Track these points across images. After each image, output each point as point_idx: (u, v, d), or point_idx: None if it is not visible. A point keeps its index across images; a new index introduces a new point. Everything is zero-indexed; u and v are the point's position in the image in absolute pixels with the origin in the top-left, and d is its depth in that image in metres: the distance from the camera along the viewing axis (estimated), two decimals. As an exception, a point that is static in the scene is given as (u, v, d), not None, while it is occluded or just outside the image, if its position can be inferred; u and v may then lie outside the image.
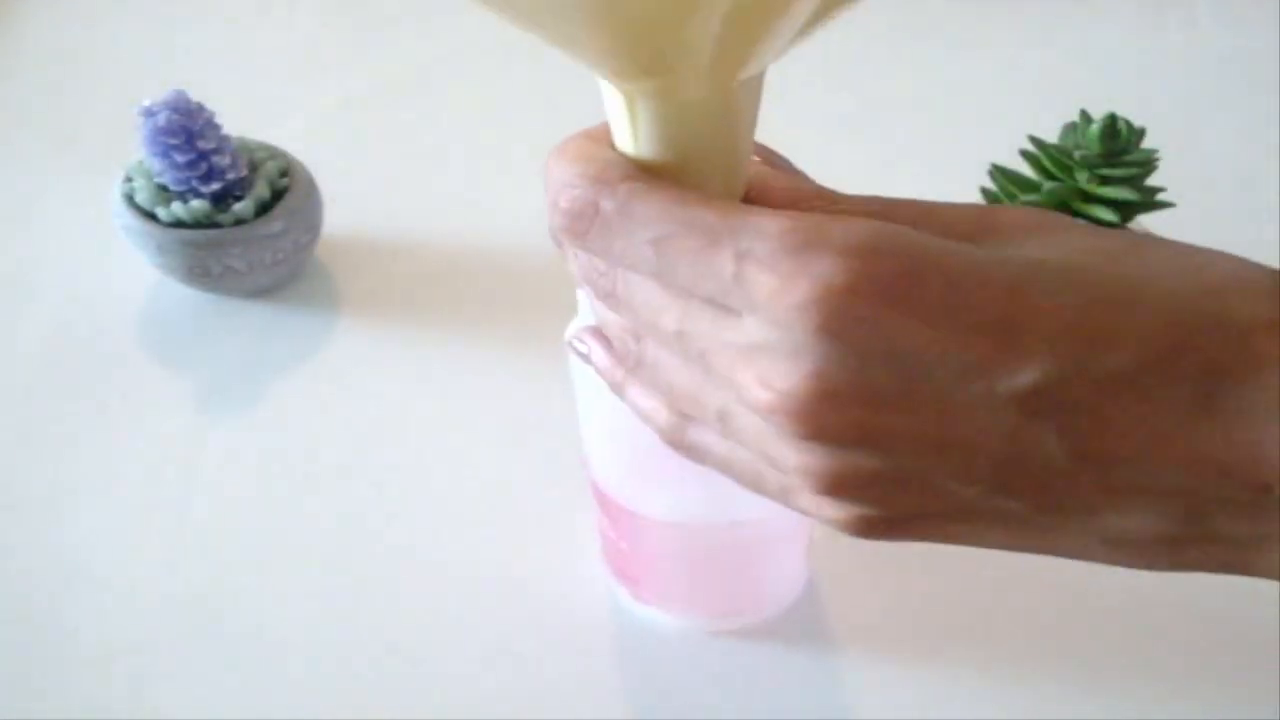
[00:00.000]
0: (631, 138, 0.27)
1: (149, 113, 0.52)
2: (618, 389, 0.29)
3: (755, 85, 0.27)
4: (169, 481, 0.50)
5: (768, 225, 0.24)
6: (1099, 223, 0.49)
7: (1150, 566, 0.25)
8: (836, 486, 0.25)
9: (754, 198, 0.28)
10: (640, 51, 0.24)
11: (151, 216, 0.54)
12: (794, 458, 0.25)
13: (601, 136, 0.28)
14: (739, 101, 0.26)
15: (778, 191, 0.27)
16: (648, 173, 0.26)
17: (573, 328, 0.33)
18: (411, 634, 0.45)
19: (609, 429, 0.38)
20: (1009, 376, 0.23)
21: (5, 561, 0.48)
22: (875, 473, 0.25)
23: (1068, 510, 0.24)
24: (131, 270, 0.59)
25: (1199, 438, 0.22)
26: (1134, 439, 0.23)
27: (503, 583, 0.47)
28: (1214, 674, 0.44)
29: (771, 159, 0.29)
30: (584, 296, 0.31)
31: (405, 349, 0.56)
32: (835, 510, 0.26)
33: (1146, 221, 0.53)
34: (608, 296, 0.27)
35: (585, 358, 0.30)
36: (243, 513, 0.49)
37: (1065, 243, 0.25)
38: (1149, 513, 0.24)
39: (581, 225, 0.26)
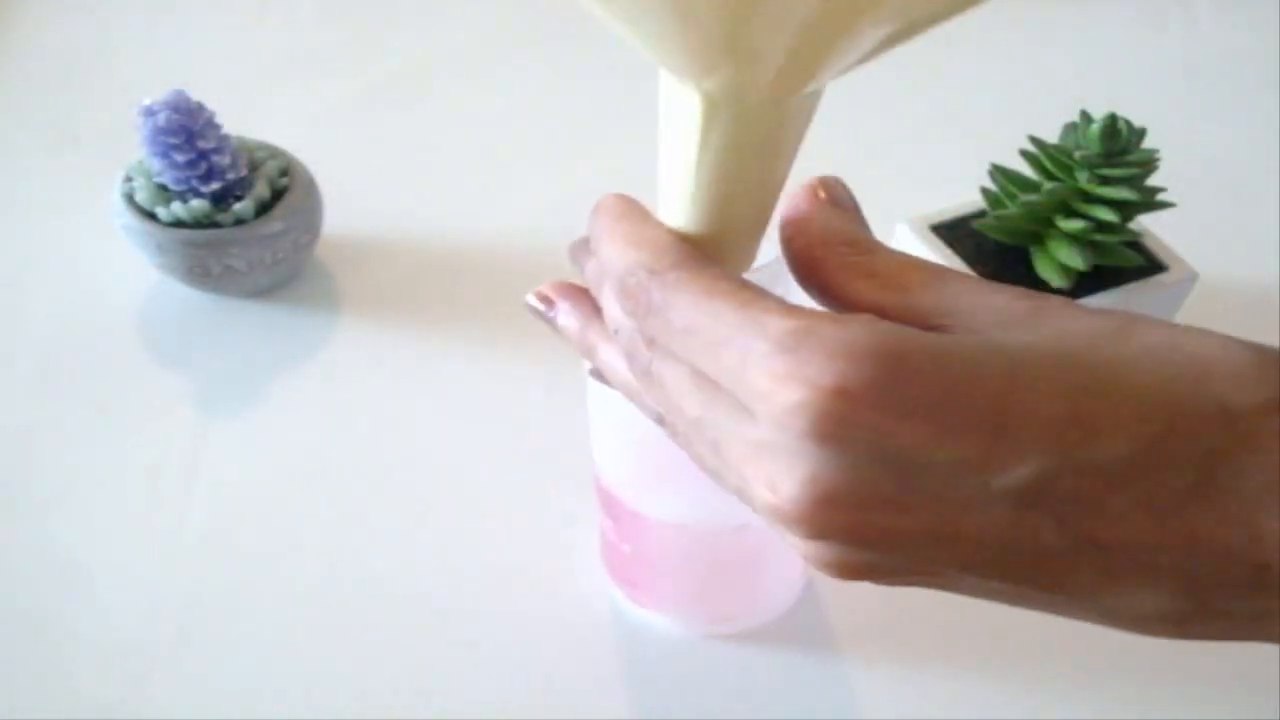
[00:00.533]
0: (698, 148, 0.27)
1: (149, 112, 0.52)
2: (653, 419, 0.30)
3: (812, 102, 0.27)
4: (169, 481, 0.50)
5: (771, 325, 0.24)
6: (1100, 223, 0.49)
7: (1152, 636, 0.26)
8: (845, 573, 0.26)
9: (791, 234, 0.29)
10: (715, 40, 0.24)
11: (151, 216, 0.54)
12: (801, 546, 0.26)
13: (643, 213, 0.29)
14: (800, 112, 0.27)
15: (815, 230, 0.28)
16: (697, 248, 0.27)
17: (594, 387, 0.34)
18: (410, 634, 0.45)
19: (618, 429, 0.38)
20: (1003, 473, 0.23)
21: (5, 561, 0.47)
22: (875, 564, 0.25)
23: (1068, 590, 0.25)
24: (131, 270, 0.59)
25: (1196, 520, 0.23)
26: (1131, 525, 0.23)
27: (501, 584, 0.47)
28: (1214, 674, 0.44)
29: (834, 193, 0.29)
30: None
31: (405, 349, 0.56)
32: (847, 581, 0.27)
33: (1147, 221, 0.53)
34: (643, 374, 0.28)
35: (609, 385, 0.31)
36: (243, 512, 0.49)
37: (1054, 327, 0.25)
38: (1150, 593, 0.24)
39: (641, 310, 0.27)
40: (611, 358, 0.30)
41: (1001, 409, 0.23)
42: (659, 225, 0.29)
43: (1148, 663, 0.44)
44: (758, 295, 0.25)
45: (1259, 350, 0.24)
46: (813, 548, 0.26)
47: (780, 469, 0.24)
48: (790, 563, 0.45)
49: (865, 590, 0.46)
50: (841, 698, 0.44)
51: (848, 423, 0.23)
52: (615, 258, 0.28)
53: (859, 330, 0.23)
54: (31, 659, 0.44)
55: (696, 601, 0.45)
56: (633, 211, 0.29)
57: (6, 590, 0.47)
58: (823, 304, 0.28)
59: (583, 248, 0.31)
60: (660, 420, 0.29)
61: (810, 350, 0.23)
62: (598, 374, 0.32)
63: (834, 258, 0.28)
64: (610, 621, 0.46)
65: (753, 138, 0.27)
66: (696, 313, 0.26)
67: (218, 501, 0.50)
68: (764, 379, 0.24)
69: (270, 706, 0.43)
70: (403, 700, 0.43)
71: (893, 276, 0.27)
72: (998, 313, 0.25)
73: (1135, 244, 0.52)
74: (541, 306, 0.32)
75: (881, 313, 0.26)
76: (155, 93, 0.53)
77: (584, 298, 0.31)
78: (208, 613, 0.46)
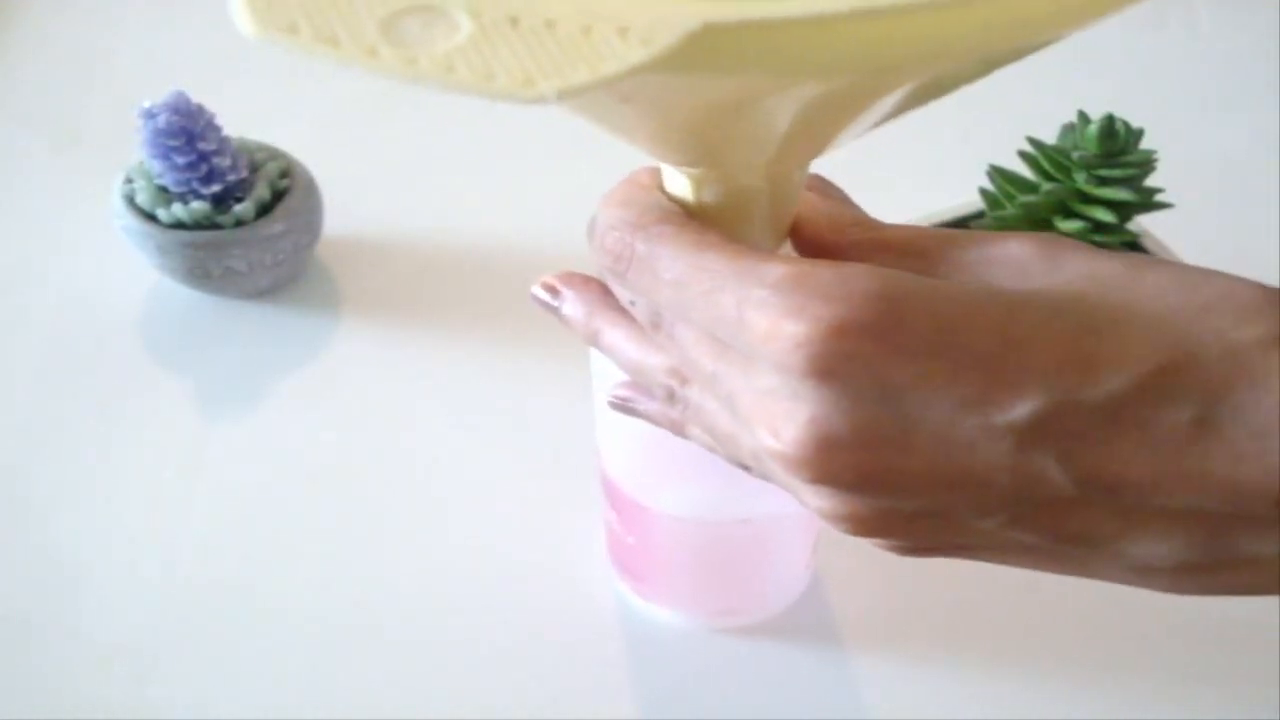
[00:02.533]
0: (694, 199, 0.28)
1: (149, 114, 0.52)
2: (677, 431, 0.30)
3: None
4: (170, 482, 0.50)
5: (767, 271, 0.24)
6: (1098, 224, 0.49)
7: (1184, 592, 0.25)
8: (857, 526, 0.26)
9: (797, 225, 0.29)
10: (700, 152, 0.26)
11: (152, 218, 0.54)
12: (814, 501, 0.26)
13: (648, 182, 0.29)
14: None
15: (822, 218, 0.29)
16: (690, 216, 0.28)
17: (599, 380, 0.34)
18: (414, 632, 0.45)
19: (623, 422, 0.38)
20: (1003, 410, 0.23)
21: (5, 561, 0.48)
22: (889, 512, 0.25)
23: (1088, 540, 0.24)
24: (132, 271, 0.59)
25: (1206, 458, 0.23)
26: (1138, 463, 0.23)
27: (505, 581, 0.47)
28: (1214, 674, 0.44)
29: (824, 190, 0.30)
30: (603, 353, 0.32)
31: (406, 349, 0.57)
32: (868, 541, 0.27)
33: (1146, 222, 0.53)
34: (667, 338, 0.28)
35: (631, 411, 0.32)
36: (243, 513, 0.49)
37: (1067, 272, 0.25)
38: (1170, 537, 0.24)
39: (621, 266, 0.27)
40: (618, 340, 0.30)
41: (1000, 347, 0.23)
42: (656, 191, 0.28)
43: (1148, 662, 0.44)
44: (749, 248, 0.26)
45: (1265, 288, 0.24)
46: (823, 497, 0.25)
47: (783, 413, 0.24)
48: (795, 557, 0.45)
49: (870, 584, 0.47)
50: (846, 692, 0.44)
51: (847, 359, 0.23)
52: (602, 217, 0.28)
53: (858, 273, 0.24)
54: (31, 659, 0.44)
55: (701, 595, 0.45)
56: (636, 176, 0.29)
57: (7, 590, 0.47)
58: None
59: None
60: (667, 404, 0.29)
61: (809, 291, 0.24)
62: (618, 404, 0.32)
63: (846, 239, 0.28)
64: (616, 615, 0.46)
65: (749, 196, 0.28)
66: (683, 265, 0.26)
67: (218, 502, 0.50)
68: (764, 320, 0.24)
69: (272, 707, 0.43)
70: (405, 697, 0.43)
71: (907, 245, 0.27)
72: (1011, 263, 0.26)
73: (1134, 244, 0.52)
74: (547, 296, 0.32)
75: None
76: (155, 94, 0.53)
77: (590, 286, 0.31)
78: (208, 613, 0.46)
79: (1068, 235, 0.49)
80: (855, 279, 0.23)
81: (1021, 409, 0.23)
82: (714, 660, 0.45)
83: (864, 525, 0.26)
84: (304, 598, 0.46)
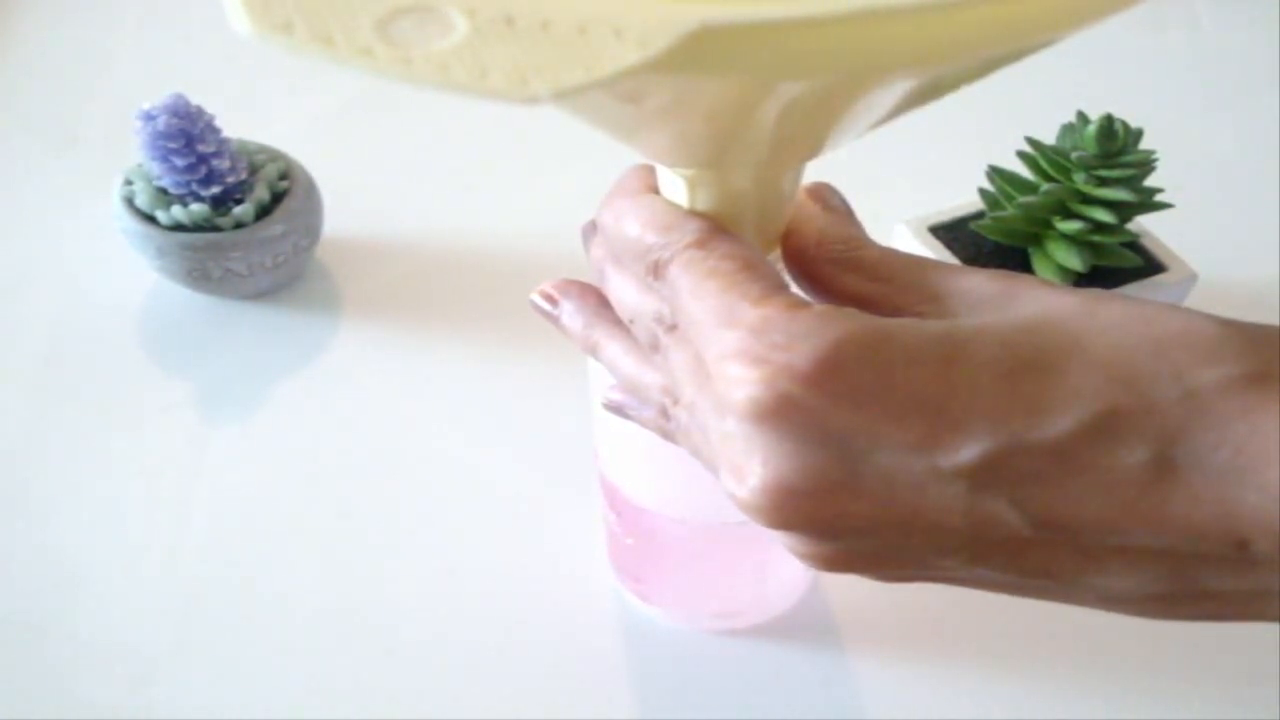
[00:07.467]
0: (688, 200, 0.28)
1: (148, 116, 0.52)
2: (666, 439, 0.31)
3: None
4: (170, 483, 0.50)
5: (744, 314, 0.25)
6: (1097, 224, 0.49)
7: (1155, 618, 0.25)
8: (824, 564, 0.26)
9: (789, 232, 0.29)
10: (697, 152, 0.26)
11: (151, 220, 0.54)
12: (780, 540, 0.26)
13: (642, 185, 0.29)
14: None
15: (813, 230, 0.29)
16: (716, 229, 0.28)
17: (596, 382, 0.34)
18: (413, 634, 0.45)
19: (622, 425, 0.38)
20: (949, 453, 0.23)
21: (5, 561, 0.48)
22: (850, 551, 0.25)
23: (1052, 574, 0.24)
24: (131, 273, 0.59)
25: (1164, 500, 0.23)
26: (1093, 504, 0.23)
27: (505, 582, 0.47)
28: (1214, 674, 0.44)
29: (827, 200, 0.30)
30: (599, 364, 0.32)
31: (406, 351, 0.57)
32: (837, 573, 0.27)
33: (1146, 222, 0.53)
34: (663, 360, 0.28)
35: (623, 415, 0.32)
36: (243, 515, 0.49)
37: (1020, 305, 0.25)
38: (1135, 573, 0.24)
39: (658, 286, 0.28)
40: (616, 355, 0.30)
41: (944, 390, 0.23)
42: (670, 202, 0.29)
43: (1148, 662, 0.44)
44: (745, 278, 0.26)
45: (1224, 324, 0.24)
46: (786, 539, 0.26)
47: (741, 458, 0.25)
48: (795, 559, 0.45)
49: (871, 586, 0.46)
50: (847, 694, 0.44)
51: (792, 406, 0.23)
52: (634, 239, 0.28)
53: (807, 318, 0.24)
54: (31, 662, 0.44)
55: (702, 597, 0.45)
56: (646, 188, 0.29)
57: (6, 593, 0.47)
58: (815, 298, 0.28)
59: (595, 229, 0.31)
60: (660, 418, 0.30)
61: (769, 339, 0.24)
62: (613, 407, 0.32)
63: (826, 254, 0.28)
64: (616, 616, 0.46)
65: (741, 199, 0.28)
66: (692, 298, 0.26)
67: (218, 504, 0.50)
68: (728, 365, 0.24)
69: (272, 708, 0.43)
70: (405, 699, 0.43)
71: (876, 268, 0.27)
72: (970, 295, 0.26)
73: (1134, 245, 0.52)
74: (546, 305, 0.32)
75: (866, 303, 0.26)
76: (155, 96, 0.53)
77: (588, 295, 0.31)
78: (208, 616, 0.46)
79: (1067, 236, 0.49)
80: (803, 326, 0.24)
81: (968, 451, 0.23)
82: (714, 661, 0.45)
83: (830, 563, 0.26)
84: (304, 598, 0.46)
